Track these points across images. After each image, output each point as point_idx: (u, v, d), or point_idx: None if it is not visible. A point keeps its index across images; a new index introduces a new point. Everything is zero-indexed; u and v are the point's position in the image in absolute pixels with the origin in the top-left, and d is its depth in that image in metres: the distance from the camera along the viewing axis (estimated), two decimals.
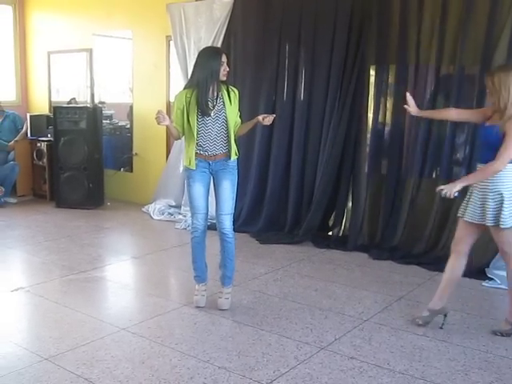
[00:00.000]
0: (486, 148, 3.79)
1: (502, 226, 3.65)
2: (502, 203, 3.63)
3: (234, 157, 4.06)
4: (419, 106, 5.47)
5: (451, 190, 3.60)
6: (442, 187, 3.66)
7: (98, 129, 7.71)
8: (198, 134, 3.98)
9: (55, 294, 4.53)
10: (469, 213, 3.80)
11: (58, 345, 3.57)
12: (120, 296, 4.62)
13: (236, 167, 4.13)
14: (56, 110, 7.66)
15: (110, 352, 3.49)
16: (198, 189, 4.07)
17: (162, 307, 4.25)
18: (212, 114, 3.96)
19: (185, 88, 4.08)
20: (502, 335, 3.85)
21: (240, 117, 4.18)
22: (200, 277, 4.27)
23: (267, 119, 4.04)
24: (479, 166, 3.82)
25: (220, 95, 3.99)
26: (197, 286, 4.28)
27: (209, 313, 4.12)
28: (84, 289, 4.68)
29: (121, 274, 5.23)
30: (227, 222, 4.08)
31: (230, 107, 4.01)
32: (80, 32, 8.32)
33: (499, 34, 5.03)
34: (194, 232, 4.17)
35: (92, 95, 8.42)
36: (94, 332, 3.77)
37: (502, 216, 3.63)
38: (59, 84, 8.97)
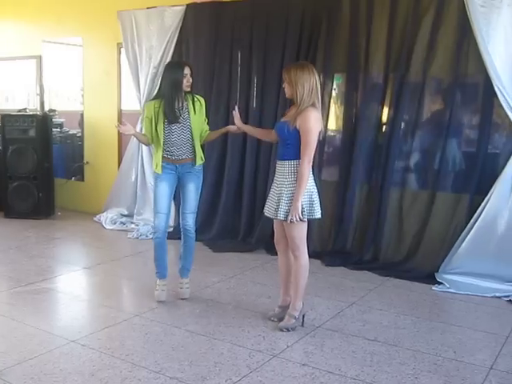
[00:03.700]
0: (280, 144, 3.93)
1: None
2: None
3: (199, 162, 4.38)
4: (369, 113, 5.60)
5: (298, 213, 3.72)
6: (290, 218, 3.73)
7: (48, 137, 7.57)
8: (164, 141, 4.29)
9: (2, 306, 4.40)
10: (266, 208, 3.99)
11: (5, 359, 3.46)
12: (70, 307, 4.52)
13: (201, 171, 4.48)
14: (4, 118, 7.46)
15: (59, 365, 3.41)
16: (163, 188, 4.36)
17: (113, 318, 4.18)
18: (178, 123, 4.26)
19: (153, 99, 4.48)
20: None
21: (208, 123, 4.52)
22: (161, 273, 4.55)
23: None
24: (278, 162, 3.91)
25: (185, 105, 4.30)
26: (158, 281, 4.55)
27: (160, 323, 4.08)
28: (33, 301, 4.56)
29: (71, 285, 5.13)
30: (190, 220, 4.46)
31: (194, 116, 4.32)
32: (29, 38, 8.16)
33: (440, 39, 5.20)
34: (155, 233, 4.47)
35: (42, 103, 8.27)
36: (42, 345, 3.68)
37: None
38: (8, 92, 8.78)
